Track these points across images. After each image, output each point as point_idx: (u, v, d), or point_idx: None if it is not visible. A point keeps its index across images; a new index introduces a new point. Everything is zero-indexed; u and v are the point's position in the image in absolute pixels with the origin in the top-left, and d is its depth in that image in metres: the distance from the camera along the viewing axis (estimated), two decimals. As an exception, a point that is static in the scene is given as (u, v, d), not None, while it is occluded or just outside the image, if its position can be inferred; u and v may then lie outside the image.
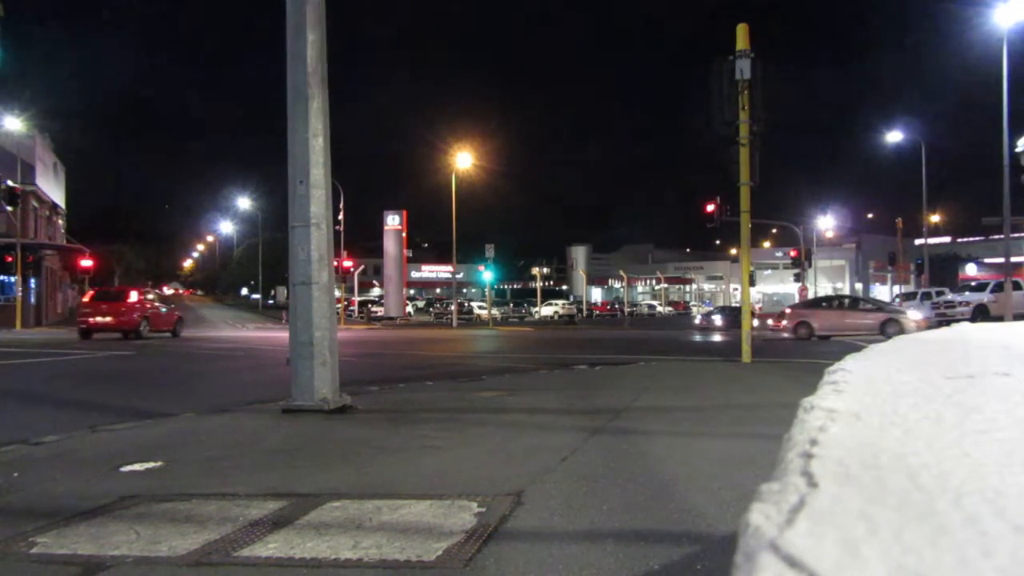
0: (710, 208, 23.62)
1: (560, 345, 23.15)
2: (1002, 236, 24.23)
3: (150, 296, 26.89)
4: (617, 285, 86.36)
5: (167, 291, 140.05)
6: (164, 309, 26.27)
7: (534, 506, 3.88)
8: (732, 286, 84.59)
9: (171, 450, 5.58)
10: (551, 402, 8.36)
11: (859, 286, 74.64)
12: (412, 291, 78.75)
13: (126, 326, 23.58)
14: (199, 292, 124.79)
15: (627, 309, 67.34)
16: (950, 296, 31.65)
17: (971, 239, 76.00)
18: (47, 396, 10.07)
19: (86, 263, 39.73)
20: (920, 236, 44.77)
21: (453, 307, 49.79)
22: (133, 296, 24.58)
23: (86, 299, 24.79)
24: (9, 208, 33.62)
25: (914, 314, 24.06)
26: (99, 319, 23.40)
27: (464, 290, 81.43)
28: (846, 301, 27.27)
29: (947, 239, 79.50)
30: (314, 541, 3.29)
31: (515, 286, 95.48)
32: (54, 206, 47.68)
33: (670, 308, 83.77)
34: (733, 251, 76.37)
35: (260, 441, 5.96)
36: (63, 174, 51.05)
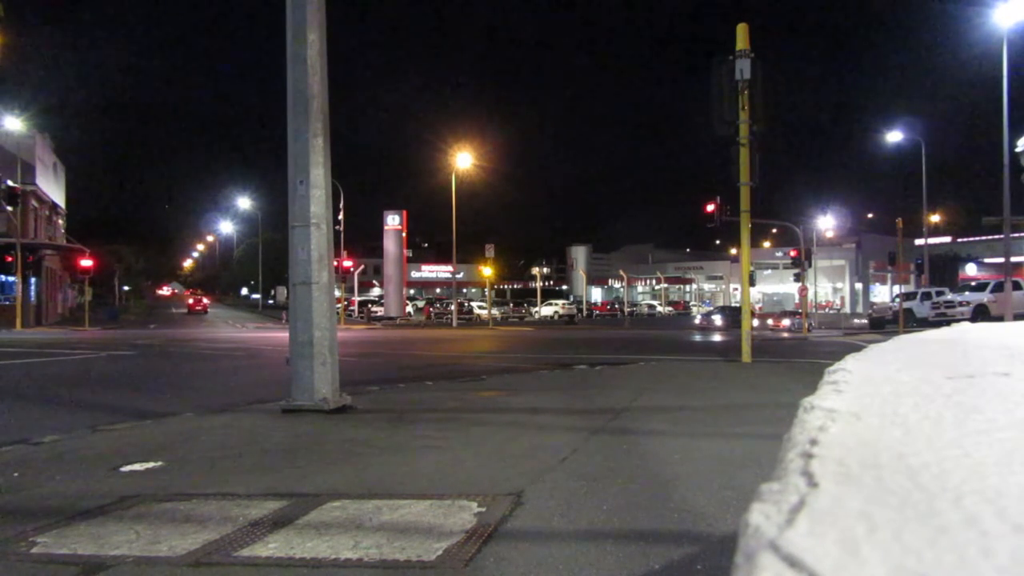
0: (710, 208, 23.49)
1: (560, 345, 23.14)
2: (1002, 236, 24.22)
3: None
4: (617, 285, 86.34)
5: (165, 291, 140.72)
6: (207, 303, 72.24)
7: (534, 506, 3.88)
8: (732, 286, 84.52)
9: (171, 450, 5.59)
10: (551, 402, 8.36)
11: (859, 286, 74.58)
12: (412, 291, 78.72)
13: (204, 310, 67.20)
14: (199, 292, 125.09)
15: (627, 309, 67.21)
16: (950, 296, 31.63)
17: (971, 239, 75.94)
18: (47, 396, 10.07)
19: (86, 263, 39.65)
20: (920, 236, 44.74)
21: (453, 307, 49.76)
22: (205, 300, 72.64)
23: (191, 301, 70.65)
24: (9, 208, 33.59)
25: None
26: (196, 308, 66.22)
27: (464, 290, 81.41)
28: None
29: (947, 239, 79.44)
30: (314, 541, 3.29)
31: (515, 286, 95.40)
32: (54, 206, 47.66)
33: (670, 308, 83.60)
34: (733, 251, 76.31)
35: (260, 441, 5.96)
36: (63, 174, 51.02)
